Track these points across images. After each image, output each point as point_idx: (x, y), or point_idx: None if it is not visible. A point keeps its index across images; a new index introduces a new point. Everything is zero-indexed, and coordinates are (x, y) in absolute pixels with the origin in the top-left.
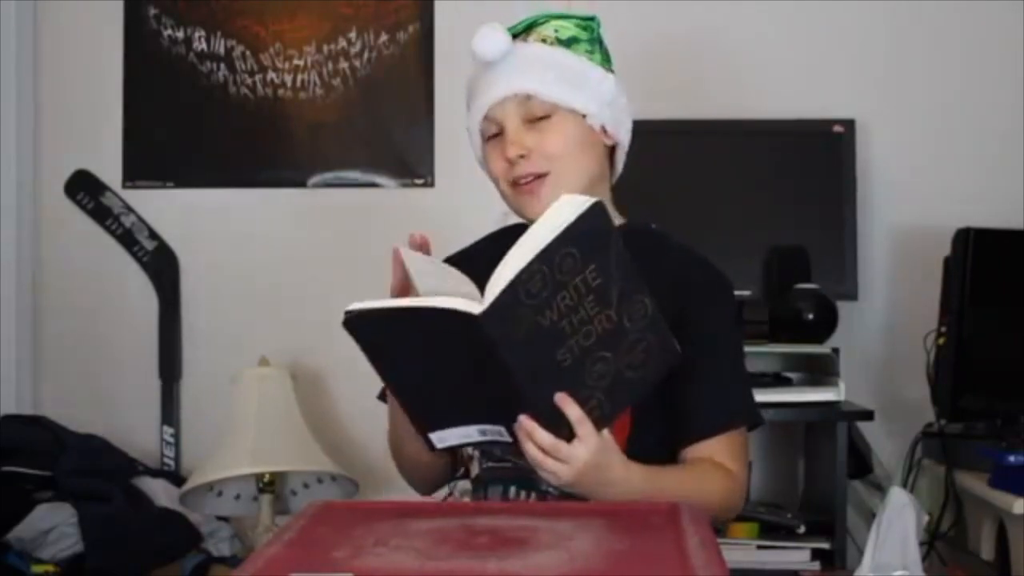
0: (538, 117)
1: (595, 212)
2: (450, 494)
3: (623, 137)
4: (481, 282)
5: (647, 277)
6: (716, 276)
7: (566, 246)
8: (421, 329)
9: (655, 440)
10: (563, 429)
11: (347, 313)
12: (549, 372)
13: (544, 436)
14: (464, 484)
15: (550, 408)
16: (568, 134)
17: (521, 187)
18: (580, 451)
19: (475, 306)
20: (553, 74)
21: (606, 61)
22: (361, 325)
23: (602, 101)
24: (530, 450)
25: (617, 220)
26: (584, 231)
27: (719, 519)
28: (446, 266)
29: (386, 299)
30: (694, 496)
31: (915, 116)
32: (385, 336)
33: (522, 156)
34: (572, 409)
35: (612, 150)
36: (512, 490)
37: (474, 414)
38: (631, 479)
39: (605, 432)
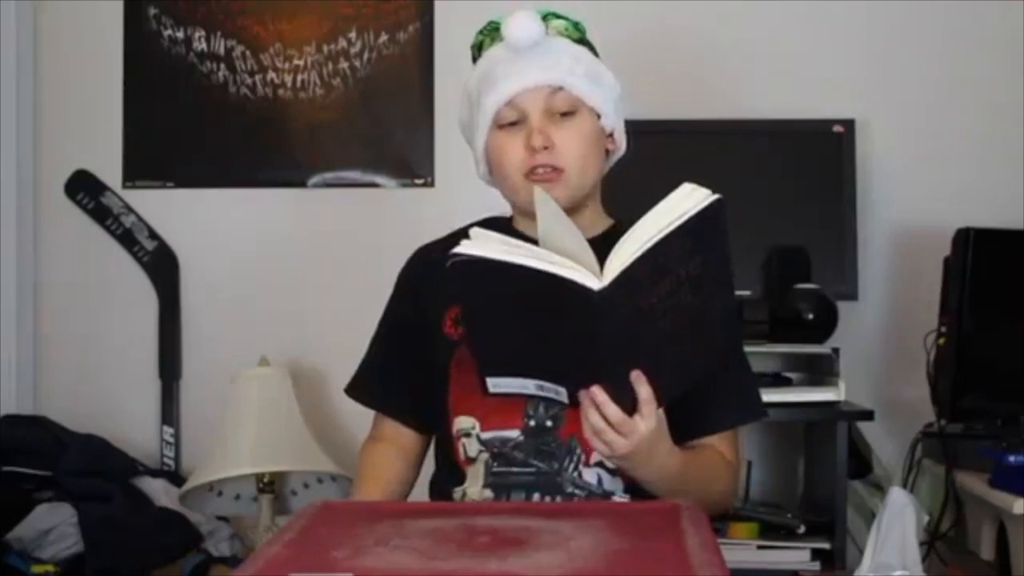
0: (561, 112)
1: (717, 208)
2: None
3: (623, 145)
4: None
5: None
6: None
7: (682, 236)
8: (526, 284)
9: None
10: (627, 403)
11: (456, 255)
12: (632, 350)
13: (614, 411)
14: (477, 491)
15: (623, 382)
16: (587, 134)
17: (537, 177)
18: (642, 427)
19: (593, 280)
20: (581, 69)
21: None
22: (468, 269)
23: (615, 104)
24: (594, 419)
25: (605, 223)
26: (702, 225)
27: (721, 508)
28: (569, 222)
29: (500, 247)
30: (711, 485)
31: (915, 116)
32: (487, 283)
33: (546, 147)
34: (644, 388)
35: (605, 153)
36: (536, 496)
37: (540, 370)
38: (672, 462)
39: (660, 412)
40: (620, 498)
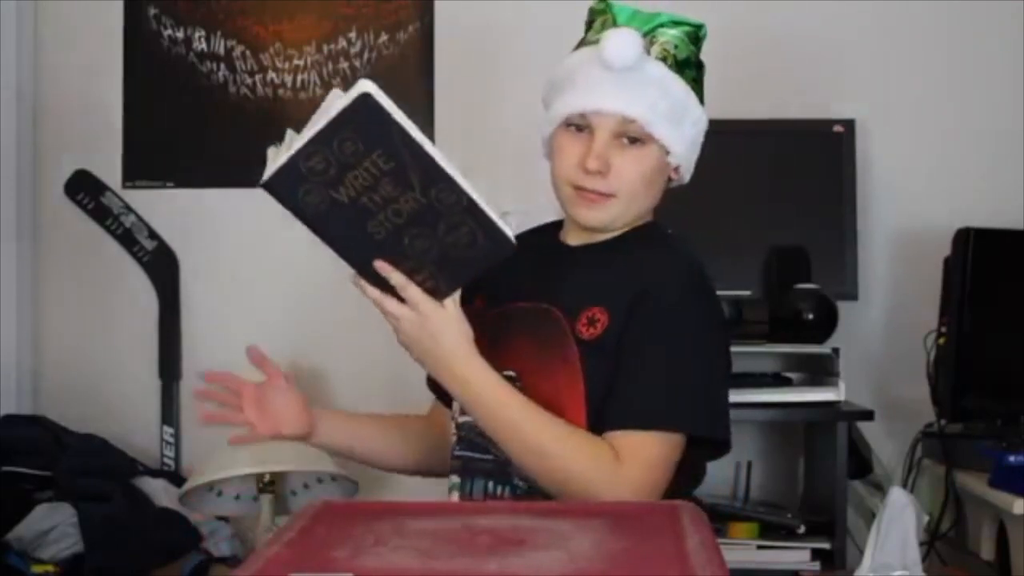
0: (629, 138)
1: (361, 103)
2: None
3: (687, 177)
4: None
5: (633, 268)
6: (689, 278)
7: (341, 132)
8: None
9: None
10: (393, 292)
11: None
12: (364, 243)
13: (371, 290)
14: (454, 479)
15: (370, 271)
16: (647, 167)
17: (584, 195)
18: (404, 312)
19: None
20: (663, 105)
21: (701, 91)
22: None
23: (689, 144)
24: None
25: (638, 222)
26: (357, 120)
27: (570, 491)
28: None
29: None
30: (545, 445)
31: (915, 116)
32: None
33: (600, 172)
34: (393, 275)
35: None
36: (490, 485)
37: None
38: (470, 367)
39: (449, 305)
40: None
